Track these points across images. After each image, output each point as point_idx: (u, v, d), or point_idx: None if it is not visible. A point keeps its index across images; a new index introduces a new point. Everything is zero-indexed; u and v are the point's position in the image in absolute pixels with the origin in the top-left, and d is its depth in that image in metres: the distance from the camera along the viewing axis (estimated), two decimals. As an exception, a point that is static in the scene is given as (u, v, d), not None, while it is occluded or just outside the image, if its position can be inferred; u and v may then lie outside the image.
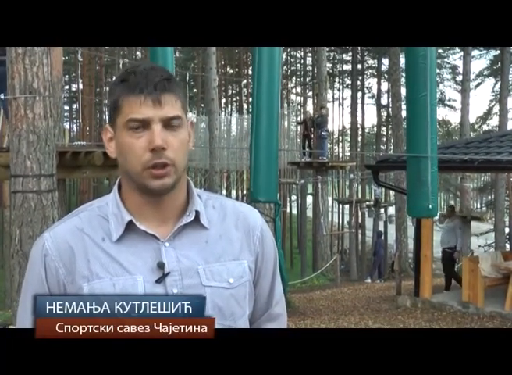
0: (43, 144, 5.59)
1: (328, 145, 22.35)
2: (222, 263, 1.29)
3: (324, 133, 17.56)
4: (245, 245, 1.33)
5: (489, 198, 36.87)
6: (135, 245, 1.25)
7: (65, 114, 44.72)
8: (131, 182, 1.25)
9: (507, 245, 25.90)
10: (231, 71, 39.92)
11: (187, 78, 29.74)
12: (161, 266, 1.23)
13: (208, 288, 1.25)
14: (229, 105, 41.49)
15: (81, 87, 30.48)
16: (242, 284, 1.31)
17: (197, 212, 1.29)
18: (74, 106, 46.52)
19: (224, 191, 23.74)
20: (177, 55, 36.92)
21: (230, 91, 41.47)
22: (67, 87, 43.78)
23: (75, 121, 46.81)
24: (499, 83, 27.75)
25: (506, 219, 27.76)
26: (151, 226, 1.26)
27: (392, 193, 26.33)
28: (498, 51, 29.26)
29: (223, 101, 39.51)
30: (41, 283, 1.25)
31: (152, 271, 1.23)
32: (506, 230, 26.23)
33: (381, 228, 27.89)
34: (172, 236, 1.26)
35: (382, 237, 24.35)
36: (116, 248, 1.24)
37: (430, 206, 5.68)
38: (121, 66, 23.05)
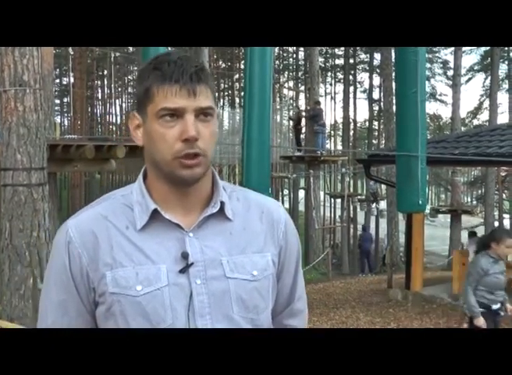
0: (33, 137, 5.57)
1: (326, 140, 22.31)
2: (246, 255, 1.28)
3: (317, 127, 17.57)
4: (269, 238, 1.33)
5: (480, 192, 37.02)
6: (159, 234, 1.24)
7: (57, 107, 44.44)
8: (159, 171, 1.24)
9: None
10: (223, 65, 39.81)
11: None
12: (185, 256, 1.22)
13: (232, 280, 1.25)
14: (221, 99, 41.37)
15: (72, 80, 30.32)
16: (265, 277, 1.29)
17: (222, 203, 1.28)
18: (65, 100, 46.28)
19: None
20: (169, 48, 36.71)
21: (222, 85, 41.35)
22: (58, 80, 43.48)
23: (66, 115, 46.61)
24: (489, 78, 27.81)
25: (496, 213, 27.92)
26: (175, 216, 1.25)
27: (383, 187, 26.38)
28: (488, 47, 29.34)
29: (215, 95, 39.35)
30: (64, 270, 1.24)
31: (176, 261, 1.22)
32: (496, 223, 26.37)
33: (373, 222, 27.96)
34: (196, 226, 1.25)
35: (370, 231, 24.39)
36: (140, 236, 1.23)
37: (420, 202, 5.71)
38: (112, 59, 22.94)
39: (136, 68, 41.08)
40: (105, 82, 42.24)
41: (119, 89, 46.32)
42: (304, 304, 1.47)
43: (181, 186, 1.24)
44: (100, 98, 44.93)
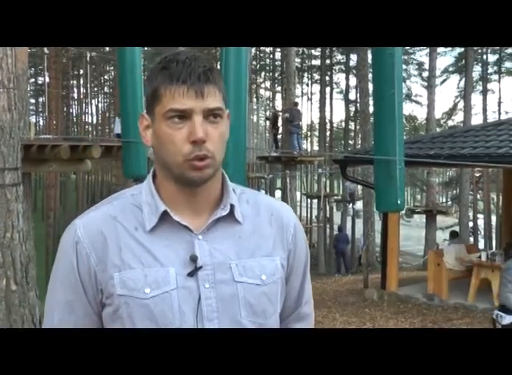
0: (7, 137, 5.49)
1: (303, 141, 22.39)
2: (255, 259, 1.26)
3: (291, 127, 17.62)
4: (278, 242, 1.30)
5: (454, 192, 37.49)
6: (168, 236, 1.22)
7: (32, 107, 43.94)
8: (167, 172, 1.22)
9: (471, 239, 26.41)
10: (200, 65, 39.65)
11: (156, 72, 29.41)
12: (193, 259, 1.20)
13: (240, 284, 1.23)
14: (198, 99, 41.16)
15: (48, 79, 29.97)
16: (274, 281, 1.28)
17: (232, 206, 1.26)
18: (41, 99, 45.79)
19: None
20: (145, 49, 36.54)
21: (199, 85, 41.17)
22: (33, 79, 43.00)
23: (41, 114, 46.10)
24: (463, 79, 28.17)
25: (471, 214, 28.29)
26: (184, 218, 1.22)
27: (359, 187, 26.56)
28: (463, 49, 29.71)
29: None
30: (72, 270, 1.22)
31: (184, 264, 1.20)
32: (471, 223, 26.73)
33: (349, 222, 28.15)
34: (205, 229, 1.23)
35: (346, 232, 24.54)
36: (149, 238, 1.21)
37: (398, 201, 5.76)
38: (88, 58, 22.71)
39: (112, 68, 40.82)
40: (81, 82, 41.84)
41: (95, 89, 45.95)
42: (311, 308, 1.45)
43: (190, 187, 1.22)
44: (76, 97, 44.54)
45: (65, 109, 39.71)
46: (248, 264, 1.25)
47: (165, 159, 1.20)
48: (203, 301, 1.20)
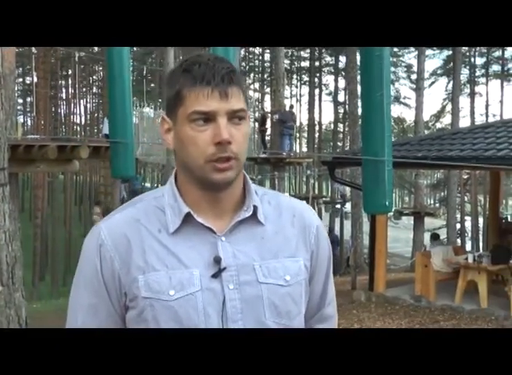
0: (-6, 137, 5.45)
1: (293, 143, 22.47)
2: (279, 260, 1.25)
3: (285, 129, 17.69)
4: (301, 243, 1.30)
5: (442, 194, 37.69)
6: (191, 238, 1.22)
7: (19, 107, 43.66)
8: (190, 175, 1.22)
9: (458, 240, 26.56)
10: (189, 66, 39.62)
11: (145, 72, 29.43)
12: (217, 260, 1.20)
13: (264, 285, 1.23)
14: (187, 100, 41.13)
15: (36, 79, 29.79)
16: (298, 282, 1.27)
17: (255, 208, 1.25)
18: (28, 99, 45.51)
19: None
20: (135, 49, 36.44)
21: (188, 86, 41.14)
22: (21, 79, 42.73)
23: (29, 114, 45.81)
24: (451, 82, 28.35)
25: (458, 216, 28.46)
26: (207, 220, 1.22)
27: (348, 189, 26.62)
28: (451, 52, 29.90)
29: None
30: (96, 273, 1.22)
31: (208, 265, 1.20)
32: (458, 225, 26.88)
33: (337, 224, 28.19)
34: (228, 230, 1.23)
35: (336, 233, 24.60)
36: (172, 240, 1.21)
37: (386, 203, 5.77)
38: (77, 59, 22.62)
39: (101, 68, 40.66)
40: (70, 82, 41.65)
41: (84, 89, 45.74)
42: (334, 309, 1.44)
43: (213, 190, 1.22)
44: (64, 98, 44.32)
45: (53, 109, 39.50)
46: (272, 265, 1.24)
47: (187, 162, 1.20)
48: (227, 302, 1.20)
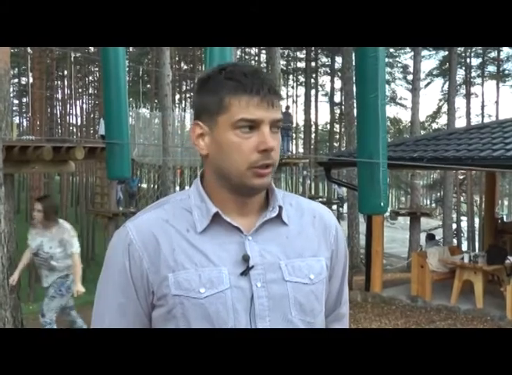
0: (-11, 138, 5.46)
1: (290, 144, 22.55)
2: (303, 259, 1.30)
3: (282, 130, 17.76)
4: (322, 243, 1.35)
5: (438, 194, 37.74)
6: (219, 237, 1.25)
7: (15, 108, 43.58)
8: (224, 180, 1.25)
9: (455, 240, 26.60)
10: (185, 67, 39.63)
11: (141, 73, 29.39)
12: (246, 259, 1.24)
13: (290, 283, 1.27)
14: (183, 101, 41.18)
15: (31, 80, 29.72)
16: (321, 281, 1.32)
17: (280, 208, 1.30)
18: (24, 100, 45.39)
19: (178, 188, 23.59)
20: (130, 49, 36.41)
21: (184, 87, 41.17)
22: (16, 80, 42.64)
23: (25, 115, 45.70)
24: (447, 83, 28.39)
25: (454, 216, 28.50)
26: (234, 219, 1.26)
27: (344, 190, 26.64)
28: (446, 52, 29.95)
29: (177, 97, 39.19)
30: (124, 273, 1.24)
31: (236, 263, 1.24)
32: (454, 225, 26.90)
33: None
34: (255, 230, 1.27)
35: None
36: (201, 239, 1.25)
37: (381, 203, 5.78)
38: (72, 59, 22.58)
39: (97, 69, 40.59)
40: (65, 82, 41.57)
41: (80, 90, 45.65)
42: (347, 308, 1.49)
43: (245, 195, 1.27)
44: (60, 98, 44.22)
45: (49, 110, 39.39)
46: (296, 264, 1.29)
47: (224, 168, 1.24)
48: (255, 300, 1.23)
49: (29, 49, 21.56)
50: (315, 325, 1.31)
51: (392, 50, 37.08)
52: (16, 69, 39.01)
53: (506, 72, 37.28)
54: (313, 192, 29.70)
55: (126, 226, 1.27)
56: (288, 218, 1.32)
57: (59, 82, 43.04)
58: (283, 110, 18.97)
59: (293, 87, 44.63)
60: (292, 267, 1.28)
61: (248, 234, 1.26)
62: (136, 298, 1.25)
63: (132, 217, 1.31)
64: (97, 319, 1.29)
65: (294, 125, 43.43)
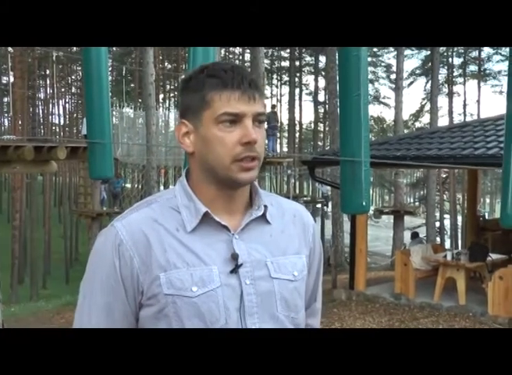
0: (-30, 138, 5.41)
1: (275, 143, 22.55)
2: (286, 257, 1.33)
3: (269, 130, 17.78)
4: (302, 241, 1.39)
5: (422, 193, 37.99)
6: (208, 236, 1.27)
7: (-4, 107, 43.12)
8: (210, 175, 1.27)
9: (438, 238, 26.81)
10: (169, 66, 39.52)
11: (124, 72, 29.24)
12: (235, 257, 1.26)
13: (276, 280, 1.30)
14: (167, 101, 41.05)
15: (12, 79, 29.42)
16: (302, 278, 1.36)
17: (266, 207, 1.32)
18: (5, 99, 44.94)
19: (162, 187, 23.50)
20: (114, 49, 36.22)
21: (168, 87, 41.04)
22: (-3, 79, 42.18)
23: (6, 115, 45.25)
24: (430, 82, 28.58)
25: (437, 214, 28.72)
26: (222, 218, 1.28)
27: (328, 188, 26.72)
28: (429, 52, 30.14)
29: (161, 96, 39.06)
30: (114, 273, 1.24)
31: (225, 262, 1.26)
32: (437, 223, 27.11)
33: (318, 224, 28.29)
34: (241, 229, 1.29)
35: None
36: (190, 238, 1.26)
37: (363, 203, 5.79)
38: (54, 58, 22.42)
39: (79, 68, 40.31)
40: (48, 82, 41.24)
41: (62, 89, 45.31)
42: (320, 303, 1.54)
43: (230, 189, 1.28)
44: (42, 98, 43.86)
45: (31, 110, 39.04)
46: (281, 261, 1.32)
47: (210, 162, 1.25)
48: (245, 296, 1.26)
49: (10, 48, 21.36)
50: (298, 320, 1.34)
51: (375, 49, 37.26)
52: (-3, 68, 38.60)
53: (487, 71, 37.64)
54: (297, 191, 29.75)
55: (114, 226, 1.27)
56: (271, 217, 1.34)
57: (41, 81, 42.70)
58: (269, 109, 19.00)
59: (277, 87, 44.71)
60: (277, 264, 1.31)
61: (235, 233, 1.28)
62: (124, 298, 1.25)
63: (119, 217, 1.31)
64: (83, 318, 1.28)
65: (279, 124, 43.62)
